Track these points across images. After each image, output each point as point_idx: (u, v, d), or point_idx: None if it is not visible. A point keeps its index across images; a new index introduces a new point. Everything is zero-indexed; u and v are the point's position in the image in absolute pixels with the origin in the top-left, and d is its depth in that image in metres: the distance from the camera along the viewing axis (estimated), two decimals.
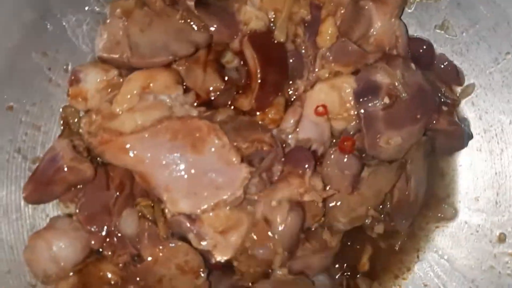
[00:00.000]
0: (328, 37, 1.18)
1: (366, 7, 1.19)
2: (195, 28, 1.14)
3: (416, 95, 1.16)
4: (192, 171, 1.08)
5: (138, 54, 1.11)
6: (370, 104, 1.14)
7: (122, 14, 1.10)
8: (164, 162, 1.08)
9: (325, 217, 1.20)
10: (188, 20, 1.14)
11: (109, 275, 1.14)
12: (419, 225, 1.33)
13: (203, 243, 1.09)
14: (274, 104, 1.17)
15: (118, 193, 1.14)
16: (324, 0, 1.20)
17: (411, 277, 1.32)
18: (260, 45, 1.15)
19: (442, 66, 1.29)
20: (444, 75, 1.29)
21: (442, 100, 1.26)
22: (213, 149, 1.08)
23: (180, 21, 1.13)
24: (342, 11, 1.19)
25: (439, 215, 1.32)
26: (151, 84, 1.10)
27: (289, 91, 1.20)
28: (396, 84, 1.14)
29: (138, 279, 1.11)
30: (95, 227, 1.13)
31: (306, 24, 1.20)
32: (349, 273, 1.28)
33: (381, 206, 1.22)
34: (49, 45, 1.22)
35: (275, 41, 1.17)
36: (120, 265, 1.14)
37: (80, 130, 1.13)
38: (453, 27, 1.29)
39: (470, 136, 1.28)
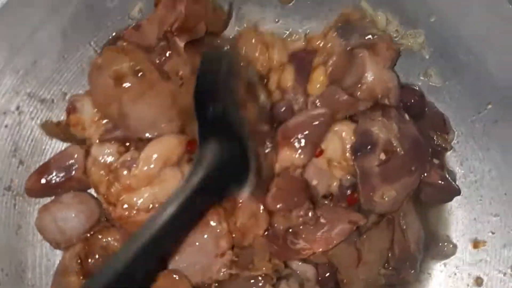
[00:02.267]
0: (318, 85, 1.21)
1: (360, 55, 1.21)
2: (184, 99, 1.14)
3: (411, 148, 1.19)
4: (189, 248, 1.13)
5: (125, 124, 1.13)
6: (366, 160, 1.17)
7: (115, 78, 1.12)
8: None
9: None
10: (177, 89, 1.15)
11: (112, 246, 1.19)
12: None
13: None
14: None
15: None
16: (318, 48, 1.23)
17: None
18: None
19: (430, 114, 1.32)
20: (432, 123, 1.32)
21: (434, 149, 1.29)
22: (210, 231, 1.14)
23: (169, 89, 1.14)
24: (334, 59, 1.21)
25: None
26: (166, 164, 1.13)
27: None
28: (392, 140, 1.17)
29: None
30: None
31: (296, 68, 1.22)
32: None
33: (385, 264, 1.25)
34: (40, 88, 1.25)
35: None
36: None
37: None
38: (437, 75, 1.32)
39: (458, 192, 1.31)
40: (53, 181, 1.19)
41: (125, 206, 1.11)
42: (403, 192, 1.20)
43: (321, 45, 1.23)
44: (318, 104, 1.21)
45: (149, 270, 0.99)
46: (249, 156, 1.02)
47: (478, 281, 1.31)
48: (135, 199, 1.11)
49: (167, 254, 1.10)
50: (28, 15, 1.15)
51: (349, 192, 1.21)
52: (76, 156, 1.19)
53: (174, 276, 1.14)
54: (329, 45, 1.22)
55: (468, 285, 1.32)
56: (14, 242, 1.24)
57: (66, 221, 1.19)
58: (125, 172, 1.13)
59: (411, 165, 1.20)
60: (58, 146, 1.28)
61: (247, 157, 1.02)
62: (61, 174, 1.19)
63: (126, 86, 1.12)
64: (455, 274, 1.34)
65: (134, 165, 1.12)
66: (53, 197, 1.23)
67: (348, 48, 1.21)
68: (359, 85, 1.20)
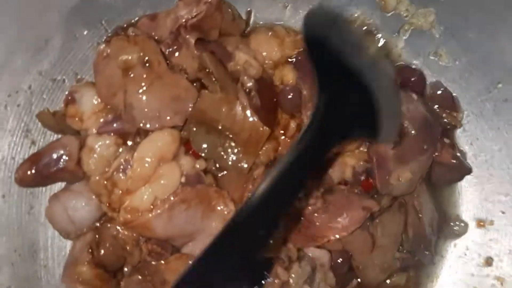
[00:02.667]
0: None
1: None
2: (190, 93, 1.14)
3: (421, 127, 1.21)
4: (199, 236, 1.15)
5: (129, 115, 1.13)
6: (381, 145, 1.18)
7: (124, 68, 1.12)
8: (181, 232, 1.14)
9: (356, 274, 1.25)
10: (184, 82, 1.15)
11: (122, 235, 1.17)
12: None
13: None
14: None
15: None
16: None
17: None
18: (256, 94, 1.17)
19: (439, 92, 1.32)
20: (441, 101, 1.32)
21: (444, 127, 1.30)
22: (218, 216, 1.14)
23: (176, 81, 1.13)
24: None
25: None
26: (160, 162, 1.12)
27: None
28: (404, 121, 1.18)
29: (146, 272, 1.16)
30: None
31: (294, 61, 1.22)
32: None
33: (400, 247, 1.26)
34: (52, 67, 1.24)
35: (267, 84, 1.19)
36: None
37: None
38: (447, 54, 1.32)
39: (469, 171, 1.31)
40: (44, 172, 1.16)
41: (128, 209, 1.11)
42: (418, 172, 1.21)
43: None
44: None
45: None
46: (374, 99, 0.93)
47: (488, 261, 1.32)
48: (136, 201, 1.10)
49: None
50: None
51: (363, 178, 1.22)
52: (70, 146, 1.16)
53: (187, 259, 1.14)
54: None
55: (478, 265, 1.33)
56: (26, 223, 1.24)
57: (77, 210, 1.17)
58: (121, 176, 1.12)
59: (423, 144, 1.21)
60: None
61: (371, 100, 0.93)
62: (53, 165, 1.15)
63: (133, 76, 1.12)
64: (466, 254, 1.34)
65: (129, 167, 1.12)
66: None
67: None
68: None
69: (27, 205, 1.24)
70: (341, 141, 1.03)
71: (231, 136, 1.15)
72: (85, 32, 1.23)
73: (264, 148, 1.18)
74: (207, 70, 1.15)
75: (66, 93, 1.20)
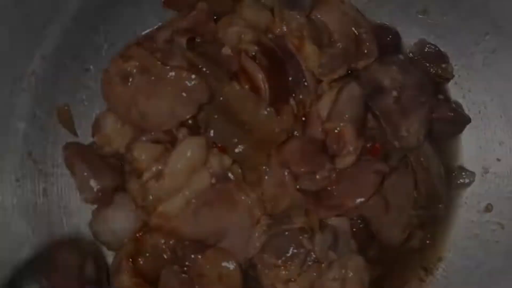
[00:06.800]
0: (313, 59, 1.24)
1: (313, 17, 1.26)
2: (194, 82, 1.15)
3: (414, 83, 1.26)
4: (230, 231, 1.18)
5: (147, 122, 1.17)
6: (382, 102, 1.23)
7: (121, 77, 1.15)
8: (211, 231, 1.18)
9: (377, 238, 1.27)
10: (184, 74, 1.16)
11: (161, 245, 1.20)
12: None
13: None
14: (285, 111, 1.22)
15: None
16: (285, 33, 1.25)
17: None
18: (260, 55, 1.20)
19: (426, 49, 1.37)
20: (429, 57, 1.36)
21: (436, 81, 1.34)
22: (243, 207, 1.18)
23: (176, 76, 1.15)
24: (306, 30, 1.24)
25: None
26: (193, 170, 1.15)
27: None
28: (396, 77, 1.24)
29: (186, 263, 1.19)
30: None
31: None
32: None
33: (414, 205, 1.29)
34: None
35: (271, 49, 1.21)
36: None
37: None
38: (435, 11, 1.35)
39: (468, 120, 1.36)
40: None
41: (160, 215, 1.15)
42: (422, 124, 1.25)
43: (284, 29, 1.25)
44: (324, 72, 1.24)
45: None
46: None
47: (488, 207, 1.36)
48: (167, 207, 1.15)
49: None
50: None
51: (369, 145, 1.25)
52: None
53: (224, 252, 1.18)
54: (293, 24, 1.25)
55: (478, 211, 1.36)
56: (42, 206, 1.29)
57: (118, 223, 1.21)
58: (155, 185, 1.15)
59: (419, 97, 1.26)
60: (74, 104, 1.32)
61: None
62: None
63: (137, 86, 1.15)
64: (466, 203, 1.38)
65: (162, 178, 1.14)
66: None
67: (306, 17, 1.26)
68: (332, 39, 1.26)
69: (41, 188, 1.29)
70: None
71: (249, 130, 1.17)
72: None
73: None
74: (199, 66, 1.18)
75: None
